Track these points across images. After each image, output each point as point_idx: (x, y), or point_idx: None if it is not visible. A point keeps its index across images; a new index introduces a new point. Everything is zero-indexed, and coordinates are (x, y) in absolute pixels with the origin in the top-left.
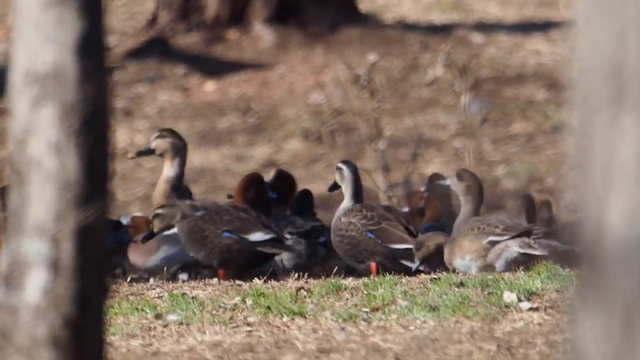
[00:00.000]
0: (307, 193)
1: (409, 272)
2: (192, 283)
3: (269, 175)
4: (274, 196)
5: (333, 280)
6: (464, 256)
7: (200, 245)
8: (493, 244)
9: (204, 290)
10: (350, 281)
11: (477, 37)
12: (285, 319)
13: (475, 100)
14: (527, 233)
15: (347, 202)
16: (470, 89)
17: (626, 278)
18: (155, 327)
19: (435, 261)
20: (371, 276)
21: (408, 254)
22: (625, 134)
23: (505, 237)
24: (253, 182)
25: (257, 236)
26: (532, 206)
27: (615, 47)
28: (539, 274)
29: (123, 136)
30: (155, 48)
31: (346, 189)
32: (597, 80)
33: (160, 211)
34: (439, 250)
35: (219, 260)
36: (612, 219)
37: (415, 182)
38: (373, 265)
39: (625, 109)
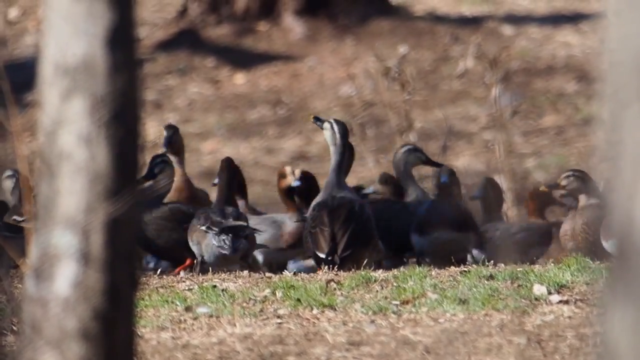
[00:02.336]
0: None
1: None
2: (222, 275)
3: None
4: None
5: (363, 273)
6: None
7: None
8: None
9: (234, 283)
10: (380, 274)
11: (507, 29)
12: (315, 311)
13: (506, 93)
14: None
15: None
16: (501, 81)
17: None
18: (185, 320)
19: None
20: (401, 268)
21: None
22: None
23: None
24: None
25: None
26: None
27: None
28: (569, 266)
29: (153, 128)
30: (186, 40)
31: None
32: (628, 73)
33: None
34: None
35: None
36: None
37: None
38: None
39: None
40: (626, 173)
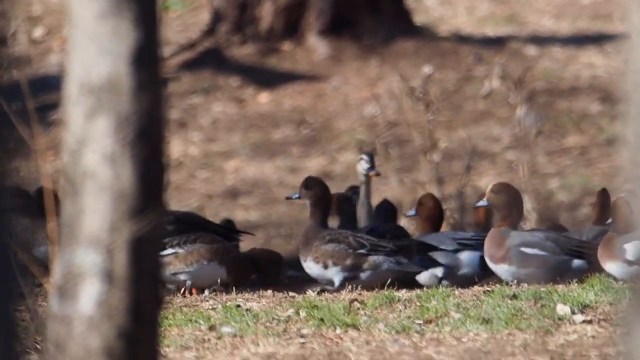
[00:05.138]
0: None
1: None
2: (246, 295)
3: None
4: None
5: (386, 292)
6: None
7: None
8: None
9: (258, 303)
10: (403, 293)
11: (531, 50)
12: (338, 331)
13: (530, 113)
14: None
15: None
16: (525, 102)
17: None
18: (209, 339)
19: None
20: (424, 288)
21: None
22: None
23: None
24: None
25: None
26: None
27: None
28: (592, 286)
29: (177, 147)
30: (210, 59)
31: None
32: None
33: None
34: None
35: None
36: None
37: (468, 194)
38: None
39: None
40: None
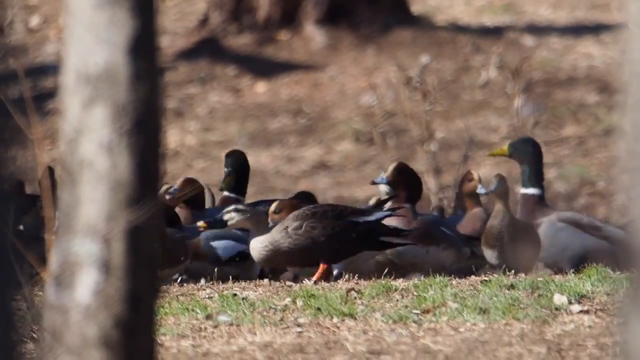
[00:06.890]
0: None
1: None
2: (243, 284)
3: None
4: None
5: (383, 282)
6: None
7: None
8: None
9: (255, 291)
10: (400, 282)
11: (528, 40)
12: (335, 320)
13: (527, 103)
14: None
15: None
16: (523, 92)
17: None
18: (205, 328)
19: None
20: (422, 277)
21: None
22: None
23: None
24: None
25: None
26: None
27: None
28: (589, 276)
29: (174, 137)
30: (207, 49)
31: None
32: None
33: None
34: None
35: None
36: None
37: None
38: None
39: None
40: None
